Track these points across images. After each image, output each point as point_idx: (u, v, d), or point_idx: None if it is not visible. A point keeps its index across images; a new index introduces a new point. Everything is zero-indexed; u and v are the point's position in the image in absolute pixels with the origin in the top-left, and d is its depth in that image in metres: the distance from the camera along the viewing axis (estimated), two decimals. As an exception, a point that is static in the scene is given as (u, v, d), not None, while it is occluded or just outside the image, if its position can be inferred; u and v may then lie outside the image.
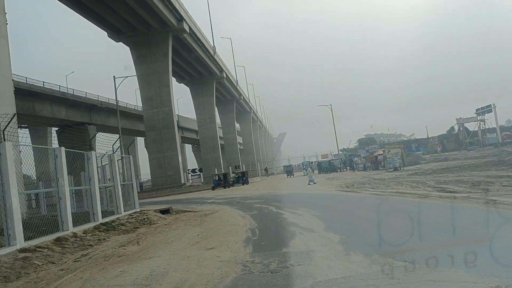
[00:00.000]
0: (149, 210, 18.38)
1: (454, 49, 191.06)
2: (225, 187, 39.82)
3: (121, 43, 46.38)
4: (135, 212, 17.27)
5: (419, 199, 12.49)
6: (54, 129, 52.98)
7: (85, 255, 9.31)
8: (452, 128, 72.86)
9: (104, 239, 11.78)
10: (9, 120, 10.98)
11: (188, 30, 46.97)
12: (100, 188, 16.71)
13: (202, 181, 49.20)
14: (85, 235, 11.99)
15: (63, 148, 12.30)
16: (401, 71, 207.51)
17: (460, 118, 69.26)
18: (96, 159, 16.24)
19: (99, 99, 49.81)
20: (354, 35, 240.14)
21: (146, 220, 15.74)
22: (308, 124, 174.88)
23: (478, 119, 66.18)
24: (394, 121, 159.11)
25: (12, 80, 19.43)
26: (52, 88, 43.16)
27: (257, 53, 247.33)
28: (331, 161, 54.99)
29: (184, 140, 77.68)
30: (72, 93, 46.29)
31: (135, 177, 62.61)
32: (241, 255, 7.24)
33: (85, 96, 48.05)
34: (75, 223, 12.73)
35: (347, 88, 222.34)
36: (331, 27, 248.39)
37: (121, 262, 8.00)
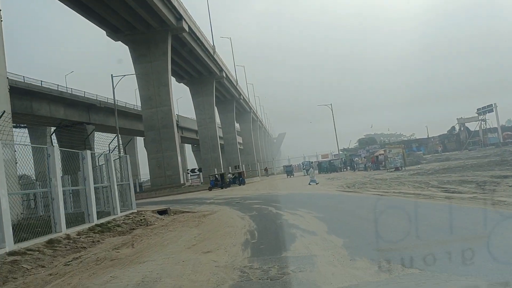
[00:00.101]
0: (146, 210, 18.02)
1: (454, 49, 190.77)
2: (222, 188, 39.41)
3: (120, 42, 46.00)
4: (132, 213, 16.90)
5: (423, 199, 12.09)
6: (53, 128, 52.53)
7: (76, 258, 8.93)
8: (453, 128, 72.43)
9: (98, 241, 11.41)
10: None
11: (187, 29, 46.55)
12: (96, 188, 16.45)
13: (202, 181, 48.79)
14: (78, 237, 11.61)
15: (56, 147, 11.93)
16: (401, 71, 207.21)
17: (461, 117, 68.82)
18: (94, 159, 16.00)
19: (97, 99, 49.37)
20: (354, 35, 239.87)
21: (142, 221, 15.37)
22: (308, 124, 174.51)
23: (479, 118, 65.74)
24: (394, 121, 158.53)
25: (7, 78, 18.99)
26: (50, 87, 42.67)
27: (257, 53, 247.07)
28: (332, 161, 54.57)
29: (184, 140, 77.25)
30: (70, 92, 45.82)
31: (135, 177, 62.27)
32: (239, 259, 6.85)
33: (83, 95, 47.59)
34: (70, 224, 12.37)
35: (347, 88, 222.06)
36: (331, 27, 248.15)
37: (113, 266, 7.62)
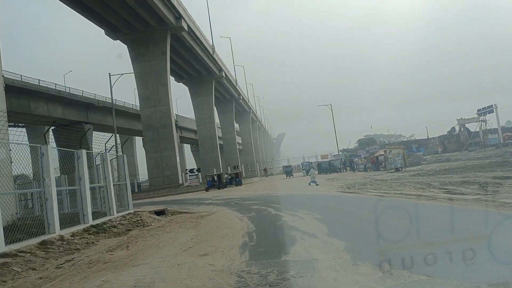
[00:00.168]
0: (143, 211, 17.73)
1: (454, 50, 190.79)
2: (219, 188, 39.07)
3: (119, 42, 45.70)
4: (129, 214, 16.60)
5: (426, 201, 11.82)
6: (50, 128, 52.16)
7: (69, 260, 8.65)
8: (453, 128, 72.23)
9: (93, 242, 11.12)
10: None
11: (186, 29, 46.27)
12: (93, 188, 16.17)
13: (200, 181, 48.49)
14: (72, 238, 11.33)
15: (49, 146, 11.64)
16: (401, 72, 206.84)
17: (461, 118, 68.61)
18: (92, 158, 15.71)
19: (96, 98, 49.07)
20: (354, 36, 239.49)
21: (139, 222, 15.09)
22: (308, 125, 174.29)
23: (480, 119, 65.51)
24: (393, 122, 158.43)
25: (3, 76, 18.70)
26: (48, 86, 42.37)
27: (256, 53, 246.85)
28: (331, 162, 54.30)
29: (183, 140, 76.95)
30: (68, 91, 45.52)
31: (133, 177, 61.91)
32: (236, 263, 6.56)
33: (81, 94, 47.29)
34: (65, 225, 12.10)
35: (347, 89, 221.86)
36: (331, 27, 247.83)
37: (105, 269, 7.34)
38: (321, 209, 13.37)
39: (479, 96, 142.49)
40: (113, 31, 44.22)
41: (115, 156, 18.17)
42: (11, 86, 37.24)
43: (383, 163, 38.29)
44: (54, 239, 10.73)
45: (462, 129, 69.08)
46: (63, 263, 8.37)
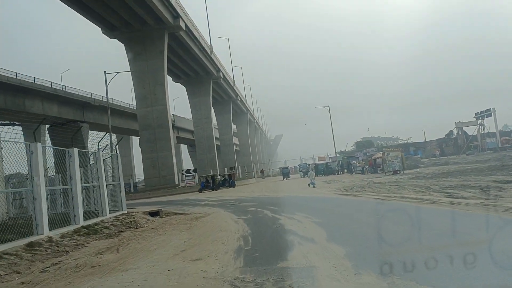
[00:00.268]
0: (137, 212, 17.34)
1: (452, 55, 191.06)
2: (213, 190, 38.60)
3: (116, 41, 45.27)
4: (122, 214, 16.18)
5: (427, 205, 11.46)
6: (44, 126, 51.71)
7: (56, 264, 8.26)
8: (451, 132, 72.06)
9: (83, 244, 10.73)
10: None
11: (184, 28, 45.85)
12: (87, 188, 15.79)
13: (197, 182, 47.99)
14: (62, 239, 10.92)
15: (39, 144, 11.24)
16: (399, 76, 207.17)
17: (459, 122, 68.45)
18: (86, 157, 15.32)
19: (92, 97, 48.54)
20: (352, 40, 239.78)
21: (132, 223, 14.69)
22: (305, 127, 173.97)
23: (478, 123, 65.34)
24: (391, 125, 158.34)
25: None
26: (44, 84, 41.86)
27: (254, 56, 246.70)
28: (329, 164, 53.95)
29: (180, 140, 76.49)
30: (64, 90, 45.01)
31: (129, 177, 61.38)
32: (230, 269, 6.19)
33: (78, 93, 46.75)
34: (56, 225, 11.72)
35: (344, 92, 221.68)
36: (330, 31, 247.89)
37: (92, 274, 6.95)
38: (319, 212, 12.99)
39: (476, 100, 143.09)
40: (110, 29, 43.75)
41: (109, 156, 17.81)
42: (6, 84, 36.81)
43: (381, 166, 37.99)
44: (43, 240, 10.34)
45: (460, 133, 68.91)
46: (49, 267, 7.99)
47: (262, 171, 67.04)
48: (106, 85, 35.73)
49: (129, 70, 43.65)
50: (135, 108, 47.77)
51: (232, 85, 77.72)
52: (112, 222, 14.45)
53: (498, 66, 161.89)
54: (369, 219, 9.65)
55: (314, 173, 30.28)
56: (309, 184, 27.24)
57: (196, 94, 64.63)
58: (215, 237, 9.88)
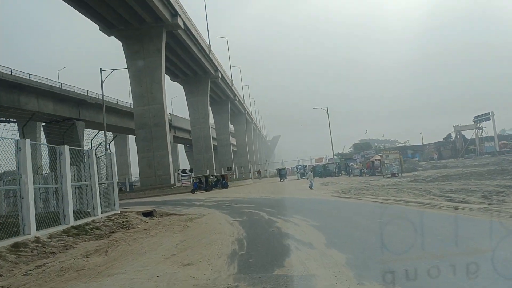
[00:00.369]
0: (131, 212, 16.93)
1: (451, 59, 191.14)
2: (206, 190, 38.10)
3: (114, 39, 44.85)
4: (114, 214, 15.76)
5: (429, 209, 11.07)
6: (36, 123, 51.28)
7: (40, 266, 7.85)
8: (449, 135, 71.74)
9: (71, 245, 10.30)
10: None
11: (182, 26, 45.47)
12: (79, 187, 15.40)
13: (192, 182, 47.54)
14: (49, 240, 10.49)
15: (28, 141, 10.81)
16: (397, 80, 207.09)
17: (458, 125, 68.14)
18: (80, 155, 14.90)
19: (88, 94, 48.04)
20: (353, 42, 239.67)
21: (124, 223, 14.27)
22: (303, 128, 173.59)
23: (476, 127, 65.07)
24: (388, 128, 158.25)
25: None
26: (39, 81, 41.37)
27: (253, 57, 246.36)
28: (326, 165, 53.56)
29: (177, 140, 76.03)
30: (60, 87, 44.50)
31: (125, 176, 60.84)
32: (223, 276, 5.79)
33: (73, 90, 46.26)
34: (46, 225, 11.30)
35: (342, 94, 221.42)
36: (329, 34, 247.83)
37: (77, 279, 6.55)
38: (317, 215, 12.61)
39: (474, 105, 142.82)
40: (107, 27, 43.33)
41: (103, 154, 17.41)
42: (1, 80, 36.33)
43: (379, 168, 37.63)
44: (29, 241, 9.92)
45: (458, 136, 68.61)
46: (33, 269, 7.57)
47: (259, 172, 66.65)
48: (102, 82, 35.26)
49: (126, 67, 43.17)
50: (132, 107, 47.34)
51: (230, 85, 77.33)
52: (104, 222, 14.03)
53: (496, 71, 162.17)
54: (369, 224, 9.26)
55: (312, 174, 29.82)
56: (310, 186, 26.77)
57: (193, 94, 64.22)
58: (208, 239, 9.48)
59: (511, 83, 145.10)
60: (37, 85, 40.60)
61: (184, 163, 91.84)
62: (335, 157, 64.24)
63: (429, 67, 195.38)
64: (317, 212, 14.05)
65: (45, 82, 42.25)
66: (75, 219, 12.87)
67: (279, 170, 54.32)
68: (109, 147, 18.17)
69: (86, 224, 13.15)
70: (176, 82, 65.57)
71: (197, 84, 63.83)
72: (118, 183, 57.19)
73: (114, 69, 37.30)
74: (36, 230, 10.56)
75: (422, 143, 78.41)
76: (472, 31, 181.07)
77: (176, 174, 47.87)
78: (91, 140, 15.37)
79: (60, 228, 11.74)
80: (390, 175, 33.69)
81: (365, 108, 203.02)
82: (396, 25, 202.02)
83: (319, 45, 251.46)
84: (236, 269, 6.17)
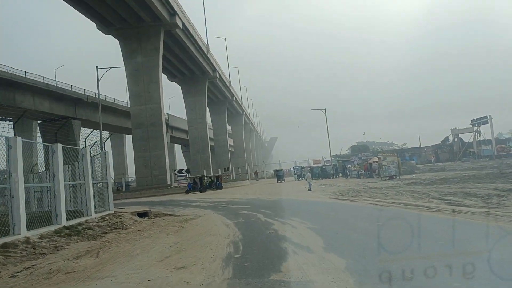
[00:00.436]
0: (125, 212, 16.65)
1: (448, 63, 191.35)
2: (200, 191, 37.74)
3: (115, 40, 44.55)
4: (109, 214, 15.46)
5: (429, 212, 10.84)
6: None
7: (28, 268, 7.57)
8: (447, 138, 71.75)
9: (62, 246, 10.03)
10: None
11: (181, 26, 45.21)
12: (72, 186, 15.13)
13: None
14: (40, 240, 10.21)
15: (19, 138, 10.54)
16: (395, 82, 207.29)
17: (455, 128, 68.13)
18: (75, 153, 14.64)
19: (85, 93, 47.65)
20: (351, 45, 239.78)
21: (118, 224, 14.00)
22: (300, 130, 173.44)
23: (474, 130, 65.05)
24: (386, 130, 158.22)
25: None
26: (35, 79, 40.96)
27: (251, 59, 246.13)
28: (324, 167, 53.36)
29: (174, 140, 75.71)
30: (56, 85, 44.11)
31: (121, 175, 60.49)
32: (217, 281, 5.54)
33: (70, 89, 45.86)
34: (36, 225, 11.03)
35: (340, 96, 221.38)
36: (328, 36, 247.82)
37: (65, 282, 6.29)
38: (315, 217, 12.36)
39: (470, 109, 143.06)
40: (105, 25, 43.05)
41: (98, 153, 17.14)
42: (-4, 77, 35.98)
43: (377, 170, 37.45)
44: (19, 241, 9.64)
45: (456, 139, 68.60)
46: (20, 271, 7.30)
47: (256, 173, 66.40)
48: (98, 81, 34.93)
49: (123, 66, 42.87)
50: (129, 106, 47.02)
51: (228, 86, 77.10)
52: (97, 222, 13.75)
53: (493, 75, 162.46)
54: (369, 227, 9.01)
55: (311, 176, 29.51)
56: (309, 188, 26.45)
57: (191, 94, 63.93)
58: (203, 242, 9.22)
59: (508, 87, 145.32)
60: (33, 83, 40.20)
61: (181, 163, 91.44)
62: (332, 159, 64.05)
63: (427, 70, 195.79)
64: (314, 214, 13.81)
65: (41, 80, 41.85)
66: (68, 219, 12.60)
67: (276, 171, 54.09)
68: (104, 146, 17.85)
69: (79, 224, 12.88)
70: (173, 82, 65.29)
71: (195, 84, 63.55)
72: (114, 182, 56.97)
73: (111, 68, 36.97)
74: (27, 230, 10.30)
75: (420, 145, 78.40)
76: (470, 34, 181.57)
77: (172, 174, 47.57)
78: (85, 139, 15.11)
79: (52, 228, 11.47)
80: (387, 178, 33.51)
81: (362, 110, 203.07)
82: (394, 28, 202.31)
83: (317, 47, 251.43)
84: (231, 274, 5.92)
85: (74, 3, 38.74)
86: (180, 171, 48.18)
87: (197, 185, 39.02)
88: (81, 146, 15.51)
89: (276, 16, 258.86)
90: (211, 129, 77.91)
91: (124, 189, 48.74)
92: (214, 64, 63.14)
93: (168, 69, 58.17)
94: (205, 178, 41.84)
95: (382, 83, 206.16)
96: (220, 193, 33.10)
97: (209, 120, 73.99)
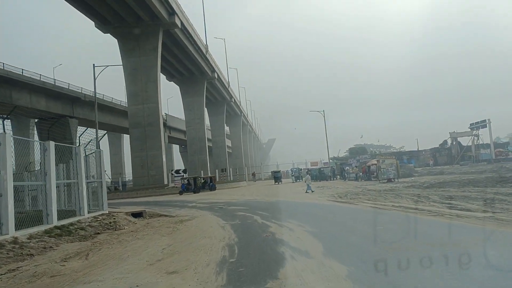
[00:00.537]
0: (120, 212, 16.34)
1: (447, 65, 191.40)
2: (194, 192, 37.28)
3: (111, 36, 44.17)
4: (102, 214, 15.12)
5: (431, 216, 10.51)
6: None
7: (13, 270, 7.22)
8: (445, 141, 71.43)
9: (51, 247, 9.69)
10: None
11: (179, 25, 44.87)
12: (67, 185, 14.81)
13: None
14: (29, 241, 9.86)
15: (8, 135, 10.21)
16: (394, 84, 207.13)
17: (454, 132, 67.83)
18: (69, 151, 14.31)
19: (82, 92, 47.24)
20: (350, 45, 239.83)
21: (111, 224, 13.66)
22: (298, 131, 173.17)
23: (472, 133, 64.77)
24: (384, 133, 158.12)
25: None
26: (32, 76, 40.56)
27: (251, 59, 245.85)
28: (322, 169, 53.03)
29: (171, 140, 75.33)
30: (53, 83, 43.71)
31: (118, 175, 60.13)
32: (209, 288, 5.21)
33: (67, 87, 45.47)
34: (26, 225, 10.68)
35: (338, 97, 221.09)
36: (327, 37, 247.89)
37: (49, 285, 5.94)
38: (313, 220, 12.02)
39: (470, 112, 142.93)
40: (103, 23, 42.67)
41: (92, 151, 16.81)
42: (-8, 74, 35.61)
43: (375, 173, 37.16)
44: (6, 241, 9.29)
45: (454, 143, 68.32)
46: (4, 274, 6.96)
47: (253, 175, 66.07)
48: (94, 78, 34.58)
49: (120, 64, 42.56)
50: (127, 105, 46.65)
51: (227, 87, 76.80)
52: (90, 222, 13.41)
53: (492, 78, 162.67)
54: (370, 231, 8.66)
55: (310, 178, 29.13)
56: (309, 191, 26.01)
57: (189, 94, 63.59)
58: (198, 244, 8.88)
59: (506, 91, 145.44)
60: (30, 80, 39.80)
61: (178, 163, 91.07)
62: (330, 161, 63.72)
63: (425, 72, 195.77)
64: (313, 216, 13.48)
65: (38, 78, 41.45)
66: (60, 218, 12.28)
67: (274, 173, 53.69)
68: (99, 144, 17.51)
69: (71, 224, 12.54)
70: (172, 82, 64.95)
71: (193, 85, 63.21)
72: (111, 182, 56.50)
73: (108, 66, 36.60)
74: (16, 229, 9.97)
75: (418, 149, 78.07)
76: (469, 37, 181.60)
77: (169, 174, 47.21)
78: (79, 137, 14.80)
79: (42, 228, 11.13)
80: (386, 180, 33.22)
81: (361, 112, 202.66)
82: (395, 29, 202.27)
83: (315, 48, 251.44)
84: (225, 280, 5.57)
85: (73, 1, 38.38)
86: (177, 172, 47.78)
87: (191, 186, 38.59)
88: (77, 145, 15.18)
89: (276, 16, 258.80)
90: (209, 130, 77.57)
91: (120, 189, 48.36)
92: (213, 64, 62.83)
93: (166, 69, 57.83)
94: (199, 179, 41.40)
95: (382, 84, 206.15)
96: (217, 194, 32.75)
97: (207, 121, 73.65)
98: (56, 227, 11.59)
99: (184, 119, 66.32)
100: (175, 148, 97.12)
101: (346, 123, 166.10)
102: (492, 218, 9.46)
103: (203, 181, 41.03)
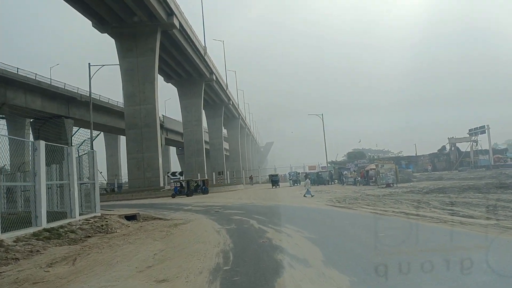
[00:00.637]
0: (113, 214, 15.93)
1: (446, 70, 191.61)
2: (187, 195, 36.76)
3: (109, 36, 43.81)
4: (94, 217, 14.70)
5: (434, 223, 10.13)
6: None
7: (-6, 275, 6.81)
8: (444, 147, 71.30)
9: (38, 251, 9.28)
10: None
11: (178, 26, 44.53)
12: (59, 186, 14.44)
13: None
14: (15, 244, 9.45)
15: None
16: (392, 89, 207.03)
17: (453, 137, 67.74)
18: (63, 152, 13.95)
19: (78, 92, 46.76)
20: (350, 50, 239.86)
21: (103, 227, 13.26)
22: (296, 135, 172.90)
23: (471, 139, 64.64)
24: (382, 138, 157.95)
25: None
26: (27, 75, 40.10)
27: (250, 61, 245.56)
28: (320, 173, 52.70)
29: (168, 142, 74.90)
30: (49, 83, 43.25)
31: (115, 177, 59.70)
32: (201, 299, 4.82)
33: (63, 87, 45.01)
34: (14, 227, 10.30)
35: (337, 101, 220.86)
36: (326, 39, 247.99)
37: (29, 294, 5.55)
38: (312, 226, 11.64)
39: (469, 117, 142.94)
40: (101, 23, 42.29)
41: (85, 152, 16.42)
42: (-13, 73, 35.18)
43: (374, 178, 36.83)
44: (-9, 244, 8.90)
45: (453, 148, 68.19)
46: (-15, 279, 6.55)
47: (251, 178, 65.71)
48: (90, 78, 34.14)
49: (117, 63, 42.17)
50: (123, 106, 46.22)
51: (225, 89, 76.47)
52: (81, 225, 12.99)
53: (492, 83, 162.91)
54: (371, 238, 8.28)
55: (309, 182, 28.63)
56: (308, 195, 25.46)
57: (187, 96, 63.23)
58: (191, 250, 8.49)
59: (505, 97, 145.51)
60: (25, 80, 39.33)
61: (175, 166, 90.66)
62: (328, 165, 63.45)
63: (425, 77, 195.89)
64: (311, 222, 13.11)
65: (34, 77, 40.99)
66: (50, 220, 11.87)
67: (272, 176, 53.23)
68: (92, 145, 17.12)
69: (61, 226, 12.13)
70: (170, 84, 64.60)
71: (191, 86, 62.87)
72: (107, 184, 55.99)
73: (103, 65, 36.19)
74: (2, 232, 9.58)
75: (416, 154, 77.97)
76: (469, 43, 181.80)
77: (166, 177, 46.77)
78: (71, 137, 14.40)
79: (31, 230, 10.72)
80: (384, 185, 32.90)
81: (359, 116, 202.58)
82: (394, 34, 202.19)
83: (314, 50, 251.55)
84: (218, 290, 5.20)
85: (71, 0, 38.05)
86: (174, 174, 47.33)
87: (184, 188, 38.10)
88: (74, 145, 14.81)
89: (276, 17, 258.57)
90: (206, 132, 77.16)
91: (116, 190, 47.91)
92: (211, 66, 62.51)
93: (164, 70, 57.47)
94: (192, 182, 40.86)
95: (380, 89, 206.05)
96: (214, 197, 32.33)
97: (204, 123, 73.25)
98: (45, 230, 11.19)
99: (182, 121, 65.92)
100: (172, 150, 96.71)
101: (345, 127, 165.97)
102: (497, 226, 9.12)
103: (195, 184, 40.47)
